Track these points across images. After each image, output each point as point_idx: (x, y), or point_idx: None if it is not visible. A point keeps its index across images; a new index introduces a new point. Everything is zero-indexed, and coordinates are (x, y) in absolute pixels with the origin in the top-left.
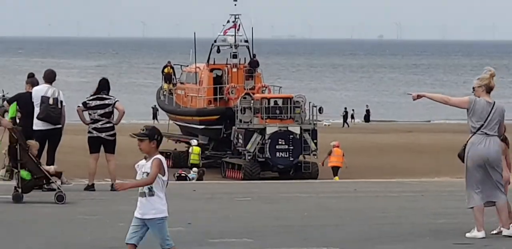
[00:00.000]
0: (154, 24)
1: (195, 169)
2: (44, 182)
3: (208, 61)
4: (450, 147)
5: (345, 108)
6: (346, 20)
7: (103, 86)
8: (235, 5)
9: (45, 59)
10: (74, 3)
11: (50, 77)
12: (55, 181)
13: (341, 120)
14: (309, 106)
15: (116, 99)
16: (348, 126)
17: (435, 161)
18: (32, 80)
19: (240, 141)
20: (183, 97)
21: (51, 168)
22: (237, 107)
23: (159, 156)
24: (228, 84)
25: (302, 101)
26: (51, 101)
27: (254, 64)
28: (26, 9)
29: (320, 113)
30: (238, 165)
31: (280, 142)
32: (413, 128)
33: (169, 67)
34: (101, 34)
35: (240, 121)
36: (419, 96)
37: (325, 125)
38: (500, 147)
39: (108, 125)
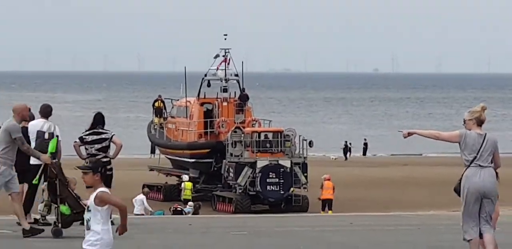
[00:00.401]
0: (150, 58)
1: (191, 203)
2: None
3: (198, 95)
4: (445, 180)
5: (346, 142)
6: (342, 54)
7: (98, 120)
8: (225, 39)
9: (37, 93)
10: (72, 36)
11: (46, 111)
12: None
13: (340, 154)
14: (299, 140)
15: (112, 133)
16: (346, 159)
17: (431, 194)
18: (28, 115)
19: (231, 174)
20: (174, 131)
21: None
22: (227, 140)
23: (103, 188)
24: (218, 117)
25: (292, 134)
26: (46, 136)
27: (244, 98)
28: (23, 43)
29: (310, 146)
30: (229, 198)
31: (270, 176)
32: (408, 162)
33: (159, 101)
34: (96, 67)
35: (231, 154)
36: (409, 134)
37: (332, 158)
38: (495, 178)
39: (105, 159)
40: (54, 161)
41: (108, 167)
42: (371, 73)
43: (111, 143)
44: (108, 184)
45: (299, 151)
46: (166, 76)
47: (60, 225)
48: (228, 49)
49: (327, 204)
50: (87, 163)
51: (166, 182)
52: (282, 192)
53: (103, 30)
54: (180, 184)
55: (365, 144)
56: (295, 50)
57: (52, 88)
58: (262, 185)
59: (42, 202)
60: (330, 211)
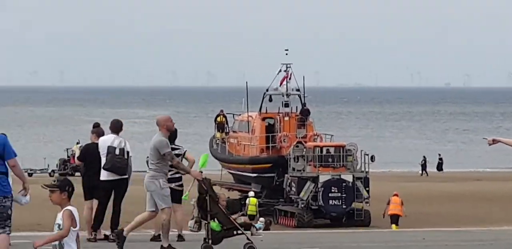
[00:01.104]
0: (218, 73)
1: (262, 219)
2: (234, 233)
3: (260, 109)
4: None
5: (424, 157)
6: (412, 68)
7: (172, 135)
8: (286, 54)
9: (103, 109)
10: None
11: (116, 126)
12: (246, 233)
13: (418, 169)
14: (361, 154)
15: (185, 149)
16: (427, 174)
17: (504, 209)
18: (97, 130)
19: (293, 189)
20: (235, 145)
21: (241, 219)
22: (289, 155)
23: (70, 207)
24: (280, 132)
25: (354, 149)
26: (117, 152)
27: (305, 112)
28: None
29: (372, 161)
30: (291, 213)
31: (333, 190)
32: (481, 177)
33: (221, 116)
34: (127, 82)
35: (293, 169)
36: (494, 141)
37: (421, 173)
38: None
39: (177, 175)
40: (203, 176)
41: (178, 183)
42: (442, 87)
43: (184, 159)
44: (179, 201)
45: (361, 166)
46: (231, 91)
47: (210, 241)
48: (289, 64)
49: (393, 219)
50: (54, 181)
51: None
52: (344, 206)
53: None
54: (244, 199)
55: (440, 159)
56: (365, 65)
57: (117, 103)
58: (324, 199)
59: (192, 219)
60: (394, 226)
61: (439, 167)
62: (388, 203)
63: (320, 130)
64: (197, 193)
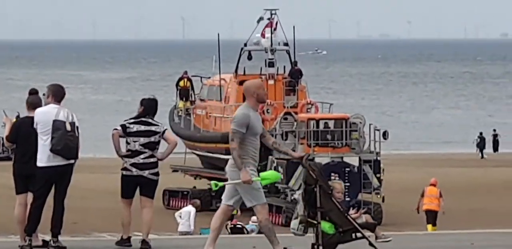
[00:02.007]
0: (151, 24)
1: (254, 218)
2: (353, 237)
3: (236, 70)
4: None
5: (481, 133)
6: (457, 17)
7: (150, 108)
8: None
9: (50, 71)
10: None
11: (59, 93)
12: (368, 236)
13: (476, 149)
14: (370, 130)
15: (165, 127)
16: (482, 157)
17: None
18: (34, 99)
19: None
20: (204, 118)
21: (362, 218)
22: (275, 130)
23: None
24: None
25: (361, 122)
26: (68, 127)
27: (296, 74)
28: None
29: (385, 139)
30: (277, 207)
31: (333, 177)
32: None
33: (185, 80)
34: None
35: None
36: None
37: (481, 156)
38: None
39: (152, 159)
40: (311, 161)
41: (154, 171)
42: (498, 40)
43: (161, 140)
44: (150, 194)
45: (369, 145)
46: (178, 45)
47: (321, 248)
48: (275, 10)
49: (429, 217)
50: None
51: (194, 187)
52: (348, 198)
53: None
54: (216, 191)
55: (495, 136)
56: (396, 13)
57: (64, 63)
58: None
59: (296, 218)
60: (430, 226)
61: (495, 146)
62: (422, 195)
63: (317, 97)
64: (303, 183)
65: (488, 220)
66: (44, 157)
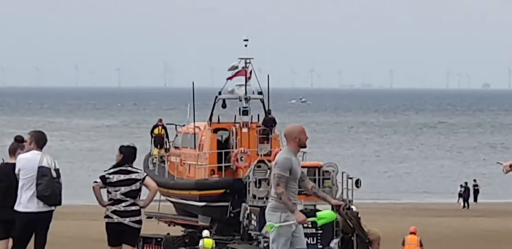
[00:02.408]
0: (130, 71)
1: None
2: None
3: (210, 119)
4: None
5: (465, 183)
6: (440, 66)
7: (129, 156)
8: (246, 45)
9: (34, 117)
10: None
11: (42, 140)
12: None
13: (458, 199)
14: (343, 178)
15: (145, 174)
16: (468, 207)
17: None
18: (19, 147)
19: (253, 223)
20: (178, 165)
21: None
22: (249, 178)
23: None
24: (236, 148)
25: (334, 171)
26: (54, 174)
27: (270, 122)
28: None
29: (357, 187)
30: None
31: (306, 225)
32: None
33: (160, 127)
34: (66, 83)
35: (254, 196)
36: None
37: (463, 205)
38: None
39: (133, 207)
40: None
41: (136, 219)
42: (479, 90)
43: (143, 186)
44: (132, 242)
45: (342, 193)
46: (155, 93)
47: None
48: (249, 58)
49: None
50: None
51: (168, 233)
52: (320, 246)
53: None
54: (189, 236)
55: (475, 186)
56: (378, 62)
57: (21, 110)
58: None
59: None
60: None
61: (475, 196)
62: (403, 244)
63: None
64: (341, 232)
65: None
66: (25, 203)
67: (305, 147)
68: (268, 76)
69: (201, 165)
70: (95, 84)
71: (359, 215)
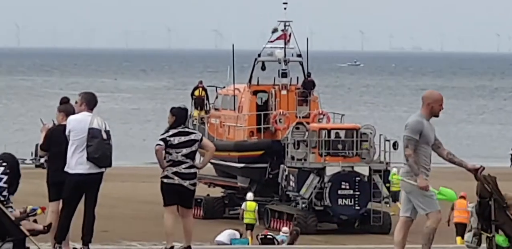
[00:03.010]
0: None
1: (285, 229)
2: None
3: (250, 81)
4: None
5: None
6: (490, 30)
7: (182, 117)
8: (285, 8)
9: (80, 78)
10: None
11: (92, 101)
12: None
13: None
14: (380, 140)
15: (201, 134)
16: None
17: None
18: (67, 108)
19: (292, 184)
20: (217, 127)
21: None
22: (287, 140)
23: None
24: (275, 110)
25: (371, 133)
26: (104, 136)
27: (309, 85)
28: None
29: (395, 149)
30: (288, 215)
31: (343, 186)
32: None
33: (200, 89)
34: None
35: (292, 158)
36: None
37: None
38: None
39: (192, 170)
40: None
41: (193, 181)
42: None
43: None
44: (189, 204)
45: (379, 155)
46: (205, 55)
47: None
48: (288, 21)
49: (459, 230)
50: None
51: (208, 194)
52: (357, 207)
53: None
54: (228, 198)
55: None
56: (428, 25)
57: (71, 71)
58: (332, 198)
59: (469, 231)
60: (459, 239)
61: None
62: (453, 209)
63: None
64: (478, 197)
65: None
66: (75, 164)
67: (437, 116)
68: (307, 39)
69: (241, 126)
70: (145, 46)
71: (497, 180)
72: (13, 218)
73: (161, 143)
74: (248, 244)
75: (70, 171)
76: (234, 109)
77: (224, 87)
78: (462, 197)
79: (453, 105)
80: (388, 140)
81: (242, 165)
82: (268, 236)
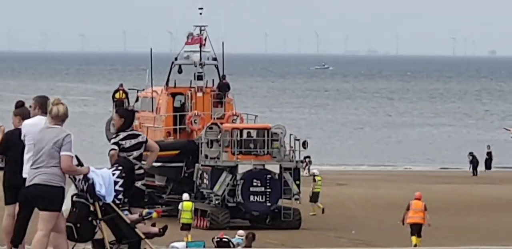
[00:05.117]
0: (95, 36)
1: (241, 231)
2: None
3: (167, 83)
4: None
5: (471, 153)
6: (448, 32)
7: (130, 120)
8: (200, 13)
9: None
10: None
11: (45, 106)
12: None
13: (469, 166)
14: (290, 140)
15: (145, 135)
16: (477, 174)
17: None
18: (22, 111)
19: (205, 181)
20: (137, 128)
21: None
22: (201, 139)
23: None
24: (191, 111)
25: (282, 133)
26: None
27: (224, 87)
28: None
29: (304, 148)
30: (202, 211)
31: (255, 184)
32: None
33: (121, 92)
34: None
35: (206, 157)
36: None
37: (472, 173)
38: None
39: (140, 171)
40: None
41: (144, 181)
42: (485, 57)
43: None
44: (142, 204)
45: (289, 154)
46: (115, 58)
47: None
48: (204, 26)
49: (414, 229)
50: None
51: None
52: (268, 204)
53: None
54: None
55: (489, 153)
56: (384, 29)
57: (31, 74)
58: (244, 195)
59: None
60: (414, 238)
61: (488, 164)
62: (408, 209)
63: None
64: None
65: (473, 237)
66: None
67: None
68: (222, 43)
69: (158, 127)
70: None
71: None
72: (128, 221)
73: (115, 147)
74: (204, 246)
75: (25, 176)
76: (152, 111)
77: (143, 90)
78: (417, 198)
79: (408, 108)
80: (298, 140)
81: (158, 164)
82: (224, 239)
